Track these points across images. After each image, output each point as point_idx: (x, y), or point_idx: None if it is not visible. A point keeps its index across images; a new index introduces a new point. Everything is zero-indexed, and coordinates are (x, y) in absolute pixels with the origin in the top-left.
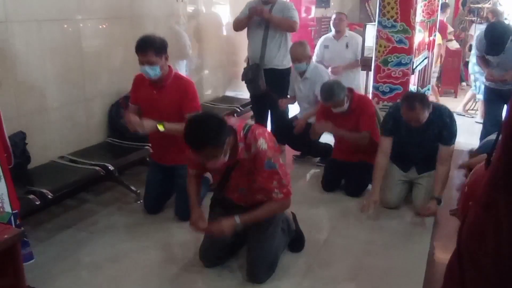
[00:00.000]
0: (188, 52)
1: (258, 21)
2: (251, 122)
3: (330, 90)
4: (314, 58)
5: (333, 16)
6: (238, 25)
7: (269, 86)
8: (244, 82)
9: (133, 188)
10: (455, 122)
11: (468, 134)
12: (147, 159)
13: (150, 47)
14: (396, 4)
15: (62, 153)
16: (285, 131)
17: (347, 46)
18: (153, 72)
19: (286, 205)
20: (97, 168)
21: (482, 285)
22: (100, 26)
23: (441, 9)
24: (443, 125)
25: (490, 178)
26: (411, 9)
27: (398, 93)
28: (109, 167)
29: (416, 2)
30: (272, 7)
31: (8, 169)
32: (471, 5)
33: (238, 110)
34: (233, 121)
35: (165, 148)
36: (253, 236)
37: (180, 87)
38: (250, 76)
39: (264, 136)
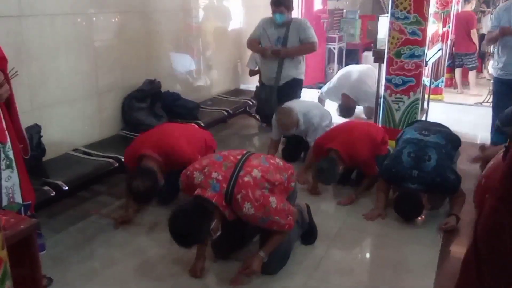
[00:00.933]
0: (195, 45)
1: (274, 41)
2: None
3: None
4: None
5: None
6: (252, 48)
7: (282, 96)
8: (255, 100)
9: None
10: (458, 177)
11: (483, 127)
12: None
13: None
14: None
15: (76, 146)
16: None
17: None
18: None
19: (292, 226)
20: (111, 160)
21: (499, 277)
22: (113, 20)
23: (465, 0)
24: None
25: (506, 170)
26: (424, 0)
27: (411, 85)
28: (122, 159)
29: None
30: (288, 29)
31: (22, 160)
32: None
33: (250, 103)
34: (209, 192)
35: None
36: (265, 235)
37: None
38: (263, 97)
39: (248, 198)
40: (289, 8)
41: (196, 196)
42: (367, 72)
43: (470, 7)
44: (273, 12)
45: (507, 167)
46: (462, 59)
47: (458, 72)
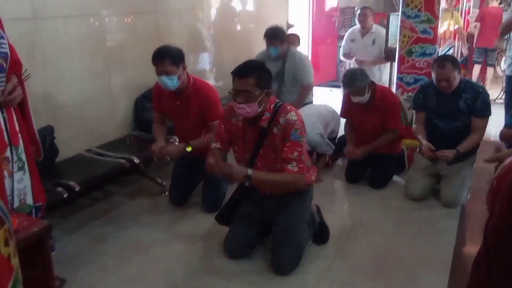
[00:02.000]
0: (206, 45)
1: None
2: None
3: (353, 76)
4: (341, 50)
5: (358, 12)
6: None
7: None
8: None
9: (158, 180)
10: (488, 94)
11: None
12: None
13: (166, 57)
14: None
15: (88, 146)
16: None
17: (373, 42)
18: (171, 82)
19: (299, 180)
20: (123, 161)
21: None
22: (125, 21)
23: None
24: (475, 95)
25: None
26: None
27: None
28: (135, 160)
29: None
30: (284, 63)
31: (34, 162)
32: None
33: None
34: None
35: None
36: (278, 228)
37: (202, 97)
38: None
39: (296, 111)
40: (283, 40)
41: None
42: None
43: (496, 3)
44: (268, 45)
45: None
46: (488, 54)
47: (477, 68)
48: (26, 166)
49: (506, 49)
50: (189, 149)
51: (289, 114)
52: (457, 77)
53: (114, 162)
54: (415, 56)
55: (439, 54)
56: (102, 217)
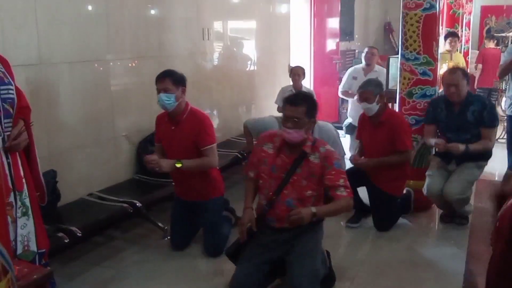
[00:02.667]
0: (209, 89)
1: None
2: None
3: (369, 81)
4: (340, 88)
5: (365, 50)
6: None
7: None
8: None
9: (160, 224)
10: (495, 106)
11: (499, 160)
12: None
13: (168, 76)
14: (418, 37)
15: (91, 190)
16: None
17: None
18: (168, 101)
19: (351, 204)
20: (125, 205)
21: None
22: (129, 65)
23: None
24: (482, 106)
25: None
26: (433, 41)
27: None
28: (137, 204)
29: (438, 35)
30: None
31: (38, 208)
32: (495, 34)
33: None
34: None
35: (188, 184)
36: (294, 254)
37: (195, 122)
38: None
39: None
40: None
41: None
42: None
43: (493, 44)
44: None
45: None
46: (492, 94)
47: None
48: (30, 212)
49: (505, 89)
50: (178, 165)
51: (327, 145)
52: (465, 87)
53: (116, 206)
54: (416, 97)
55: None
56: (103, 262)
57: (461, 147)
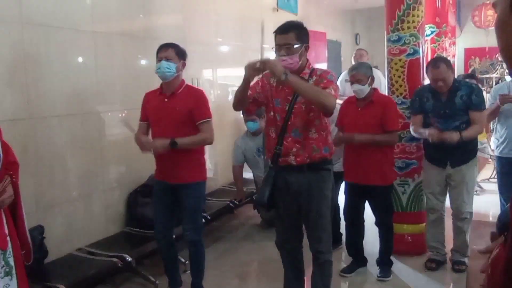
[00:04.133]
0: None
1: (255, 153)
2: None
3: (360, 63)
4: None
5: (354, 52)
6: (237, 182)
7: None
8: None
9: (151, 278)
10: (482, 90)
11: (492, 203)
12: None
13: (172, 46)
14: (404, 81)
15: (80, 245)
16: None
17: None
18: (169, 69)
19: (331, 97)
20: (115, 259)
21: None
22: (119, 116)
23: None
24: (470, 90)
25: (506, 261)
26: (419, 85)
27: (415, 168)
28: (127, 258)
29: (423, 78)
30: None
31: (23, 267)
32: (480, 75)
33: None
34: None
35: (172, 163)
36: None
37: (192, 95)
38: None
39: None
40: (260, 116)
41: None
42: None
43: None
44: (245, 121)
45: (505, 257)
46: None
47: None
48: (13, 271)
49: (493, 130)
50: (174, 145)
51: (324, 70)
52: (451, 76)
53: (106, 261)
54: (405, 141)
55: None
56: None
57: (455, 136)
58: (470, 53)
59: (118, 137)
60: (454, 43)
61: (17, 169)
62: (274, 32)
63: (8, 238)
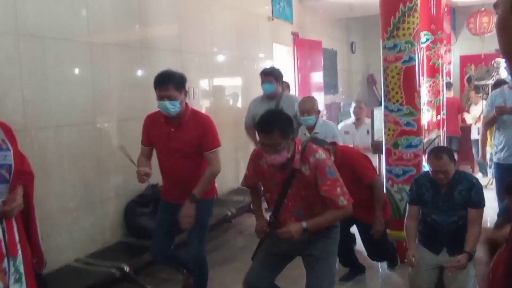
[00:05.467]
0: None
1: None
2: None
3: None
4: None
5: (353, 105)
6: (250, 138)
7: None
8: None
9: None
10: (481, 185)
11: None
12: None
13: (170, 81)
14: (400, 88)
15: (78, 255)
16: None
17: (368, 132)
18: (173, 107)
19: (349, 212)
20: (113, 270)
21: None
22: (116, 127)
23: (447, 88)
24: (470, 185)
25: (508, 259)
26: (415, 92)
27: (412, 175)
28: (125, 268)
29: (420, 85)
30: (278, 102)
31: (33, 274)
32: (476, 82)
33: None
34: None
35: (182, 185)
36: (311, 259)
37: (199, 123)
38: None
39: (323, 150)
40: (278, 79)
41: None
42: None
43: (451, 94)
44: (262, 82)
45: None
46: (453, 141)
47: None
48: (23, 279)
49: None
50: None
51: (317, 154)
52: (453, 169)
53: (104, 271)
54: (402, 148)
55: (425, 146)
56: None
57: (464, 259)
58: (465, 60)
59: (115, 148)
60: (449, 50)
61: (32, 180)
62: (257, 130)
63: (18, 246)
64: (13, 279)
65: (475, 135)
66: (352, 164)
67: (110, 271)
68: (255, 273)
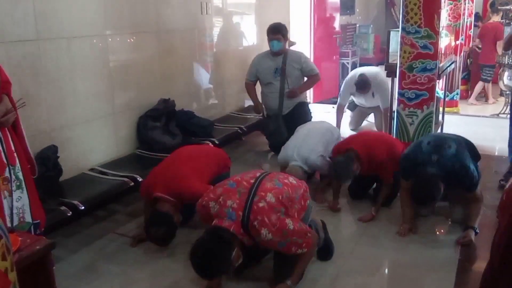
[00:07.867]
0: (207, 64)
1: (272, 73)
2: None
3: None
4: (339, 101)
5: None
6: (249, 94)
7: (291, 124)
8: (264, 134)
9: None
10: (478, 172)
11: (500, 138)
12: None
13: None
14: (420, 9)
15: (92, 165)
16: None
17: (373, 95)
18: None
19: (314, 249)
20: (126, 179)
21: None
22: (128, 41)
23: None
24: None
25: (505, 230)
26: (435, 14)
27: (424, 99)
28: (138, 178)
29: (440, 7)
30: (284, 58)
31: (32, 180)
32: (499, 7)
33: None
34: (226, 222)
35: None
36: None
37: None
38: (272, 128)
39: (265, 224)
40: (285, 36)
41: (214, 227)
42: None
43: (498, 18)
44: (270, 39)
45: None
46: (483, 70)
47: (480, 84)
48: (23, 185)
49: (508, 63)
50: None
51: (262, 234)
52: None
53: (117, 180)
54: (416, 71)
55: (440, 70)
56: (105, 235)
57: (470, 234)
58: None
59: (127, 62)
60: None
61: (9, 88)
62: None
63: (15, 154)
64: (15, 185)
65: None
66: (380, 166)
67: (124, 180)
68: None
